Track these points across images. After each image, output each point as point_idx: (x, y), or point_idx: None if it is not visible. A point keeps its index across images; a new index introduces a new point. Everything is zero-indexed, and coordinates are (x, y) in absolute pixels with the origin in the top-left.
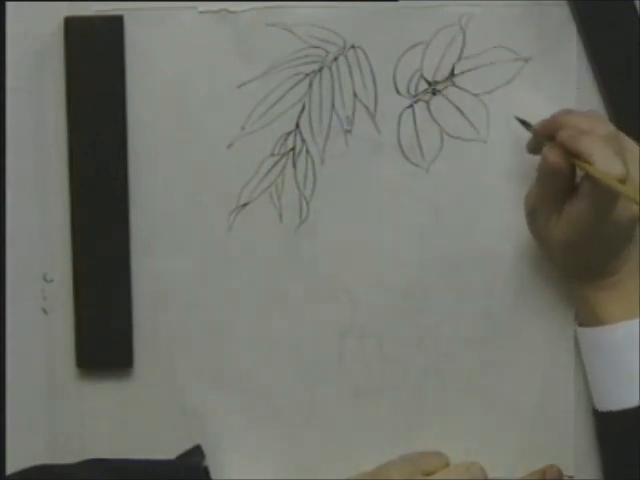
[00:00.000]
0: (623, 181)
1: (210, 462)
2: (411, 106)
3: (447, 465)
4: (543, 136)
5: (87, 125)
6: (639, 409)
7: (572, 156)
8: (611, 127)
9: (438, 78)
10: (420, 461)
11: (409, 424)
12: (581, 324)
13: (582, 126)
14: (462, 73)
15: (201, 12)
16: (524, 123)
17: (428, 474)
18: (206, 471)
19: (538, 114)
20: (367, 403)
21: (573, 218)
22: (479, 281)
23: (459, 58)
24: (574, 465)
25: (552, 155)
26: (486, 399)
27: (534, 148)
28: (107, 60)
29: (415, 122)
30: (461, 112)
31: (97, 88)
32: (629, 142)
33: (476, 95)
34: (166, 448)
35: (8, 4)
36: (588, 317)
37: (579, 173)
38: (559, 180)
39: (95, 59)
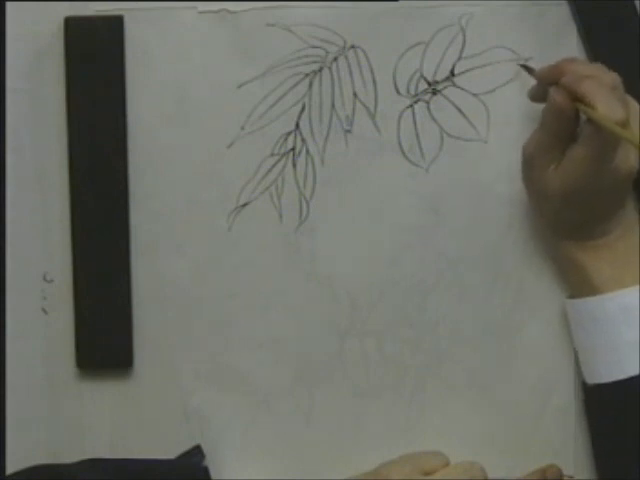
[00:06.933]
0: (624, 126)
1: (210, 462)
2: (411, 106)
3: (447, 465)
4: (547, 82)
5: (87, 125)
6: (630, 380)
7: (575, 99)
8: (615, 76)
9: (438, 78)
10: (420, 461)
11: (409, 424)
12: (572, 296)
13: (586, 72)
14: (462, 73)
15: (201, 12)
16: (527, 68)
17: (428, 474)
18: (206, 471)
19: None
20: (367, 403)
21: (572, 164)
22: (479, 281)
23: (459, 58)
24: (574, 465)
25: (558, 96)
26: (486, 399)
27: (536, 95)
28: (107, 60)
29: (415, 122)
30: (461, 112)
31: (97, 88)
32: (629, 97)
33: (476, 95)
34: (166, 448)
35: (8, 4)
36: (580, 284)
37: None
38: (563, 123)
39: (95, 59)
